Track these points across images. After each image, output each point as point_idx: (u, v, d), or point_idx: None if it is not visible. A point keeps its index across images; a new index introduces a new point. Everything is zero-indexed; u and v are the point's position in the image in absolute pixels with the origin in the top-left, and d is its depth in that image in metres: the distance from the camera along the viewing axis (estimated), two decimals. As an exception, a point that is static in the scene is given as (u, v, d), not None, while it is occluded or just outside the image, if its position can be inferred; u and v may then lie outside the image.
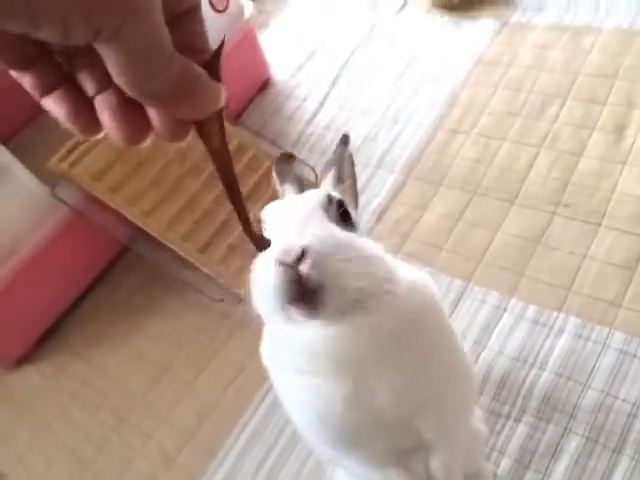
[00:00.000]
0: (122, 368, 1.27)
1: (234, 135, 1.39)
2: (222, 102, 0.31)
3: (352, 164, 0.67)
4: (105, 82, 0.29)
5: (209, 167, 1.30)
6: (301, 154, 1.48)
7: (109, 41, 0.25)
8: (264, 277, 0.46)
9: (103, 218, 1.29)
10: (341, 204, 0.55)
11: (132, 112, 0.30)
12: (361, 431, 0.56)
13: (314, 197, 0.54)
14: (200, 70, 0.30)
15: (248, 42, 1.58)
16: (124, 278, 1.42)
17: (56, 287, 1.35)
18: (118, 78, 0.27)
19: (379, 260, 0.52)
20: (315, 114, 1.58)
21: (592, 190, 1.19)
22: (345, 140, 0.68)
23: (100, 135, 0.32)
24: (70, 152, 1.25)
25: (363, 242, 0.52)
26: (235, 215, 0.38)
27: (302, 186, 0.64)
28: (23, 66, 0.30)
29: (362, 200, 1.36)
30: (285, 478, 1.02)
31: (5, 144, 1.24)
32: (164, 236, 1.23)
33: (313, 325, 0.49)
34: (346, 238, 0.50)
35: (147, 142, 0.32)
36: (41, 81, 0.30)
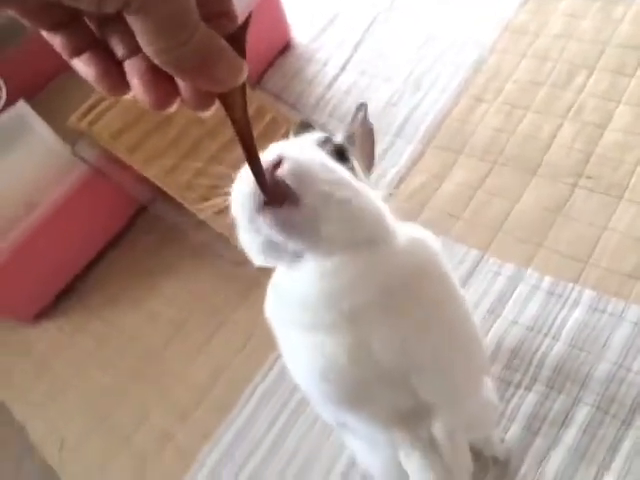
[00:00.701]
0: (138, 327, 1.29)
1: (254, 98, 1.38)
2: (243, 77, 0.32)
3: (371, 133, 0.64)
4: (134, 47, 0.29)
5: (229, 129, 1.30)
6: (321, 119, 1.46)
7: (137, 12, 0.26)
8: (238, 188, 0.47)
9: (122, 177, 1.30)
10: (339, 147, 0.53)
11: (160, 78, 0.31)
12: (363, 387, 0.55)
13: (312, 136, 0.53)
14: (224, 43, 0.30)
15: (270, 2, 1.55)
16: (141, 238, 1.43)
17: (74, 245, 1.37)
18: (144, 46, 0.28)
19: (373, 203, 0.50)
20: (336, 78, 1.56)
21: (616, 163, 1.17)
22: (360, 108, 0.65)
23: (128, 95, 0.33)
24: (90, 110, 1.25)
25: (358, 182, 0.50)
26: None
27: None
28: (54, 28, 0.30)
29: (380, 168, 1.35)
30: (295, 436, 1.04)
31: (27, 100, 1.24)
32: (183, 196, 1.24)
33: (306, 269, 0.49)
34: (336, 165, 0.48)
35: (174, 108, 0.33)
36: (71, 43, 0.31)
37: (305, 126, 0.68)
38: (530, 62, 1.39)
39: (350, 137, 0.61)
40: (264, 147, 0.43)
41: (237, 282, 1.25)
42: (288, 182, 0.44)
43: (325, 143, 0.52)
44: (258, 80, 1.61)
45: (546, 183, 1.19)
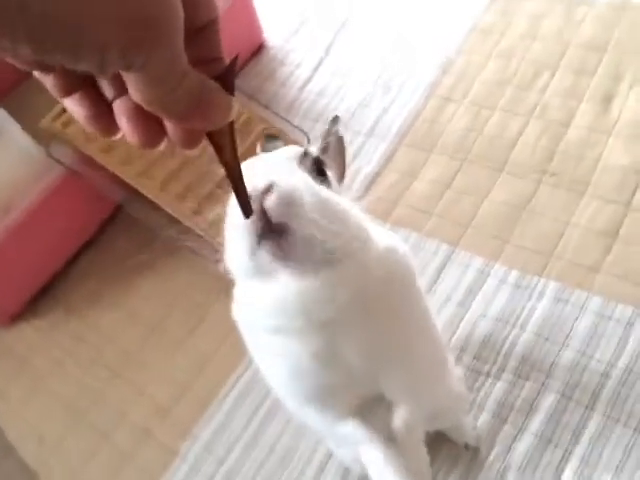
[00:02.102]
0: (116, 326, 1.30)
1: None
2: (233, 115, 0.33)
3: (341, 142, 0.66)
4: (123, 88, 0.30)
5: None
6: (294, 120, 1.49)
7: (136, 71, 0.27)
8: (234, 222, 0.48)
9: (97, 178, 1.31)
10: (317, 161, 0.55)
11: (148, 118, 0.31)
12: (330, 387, 0.57)
13: (290, 151, 0.55)
14: (213, 84, 0.31)
15: (243, 4, 1.57)
16: (119, 238, 1.44)
17: (51, 245, 1.37)
18: (135, 95, 0.29)
19: (353, 217, 0.53)
20: (309, 80, 1.59)
21: (578, 159, 1.22)
22: (335, 120, 0.67)
23: (118, 136, 0.33)
24: (63, 112, 1.25)
25: (337, 197, 0.52)
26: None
27: None
28: (46, 70, 0.31)
29: (353, 167, 1.38)
30: (275, 429, 1.07)
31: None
32: (158, 196, 1.25)
33: (283, 281, 0.50)
34: (318, 188, 0.50)
35: (162, 147, 0.34)
36: (62, 83, 0.31)
37: (271, 138, 0.69)
38: (496, 62, 1.44)
39: (325, 148, 0.63)
40: (241, 154, 0.45)
41: (214, 279, 1.25)
42: (276, 214, 0.45)
43: (304, 158, 0.54)
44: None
45: (512, 180, 1.24)
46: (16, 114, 1.26)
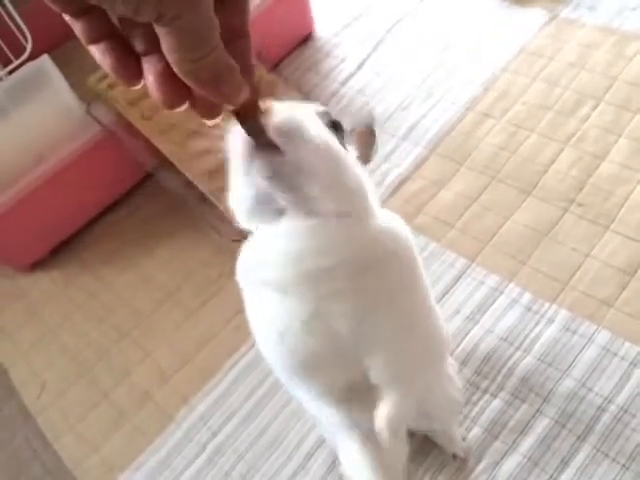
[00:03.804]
0: (129, 288, 1.33)
1: (271, 81, 1.41)
2: (241, 99, 0.35)
3: (372, 133, 0.64)
4: (154, 46, 0.32)
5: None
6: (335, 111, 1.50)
7: (166, 25, 0.29)
8: (232, 138, 0.48)
9: (133, 143, 1.33)
10: (337, 123, 0.54)
11: (175, 81, 0.33)
12: (316, 357, 0.56)
13: (312, 106, 0.54)
14: (234, 63, 0.33)
15: (297, -7, 1.58)
16: (144, 204, 1.47)
17: (78, 201, 1.40)
18: (167, 53, 0.31)
19: (355, 176, 0.52)
20: (352, 76, 1.60)
21: (607, 194, 1.22)
22: (370, 114, 0.66)
23: (139, 86, 0.35)
24: (111, 73, 1.28)
25: (346, 153, 0.52)
26: None
27: None
28: (77, 14, 0.32)
29: (383, 169, 1.39)
30: (270, 412, 1.09)
31: (49, 53, 1.27)
32: (188, 169, 1.27)
33: (284, 225, 0.51)
34: (328, 134, 0.50)
35: (182, 109, 0.36)
36: (91, 31, 0.33)
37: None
38: (540, 86, 1.44)
39: (351, 131, 0.61)
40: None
41: (233, 258, 1.28)
42: (274, 133, 0.45)
43: (323, 115, 0.53)
44: (274, 67, 1.64)
45: (539, 204, 1.24)
46: (63, 67, 1.29)
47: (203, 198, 1.32)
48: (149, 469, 1.08)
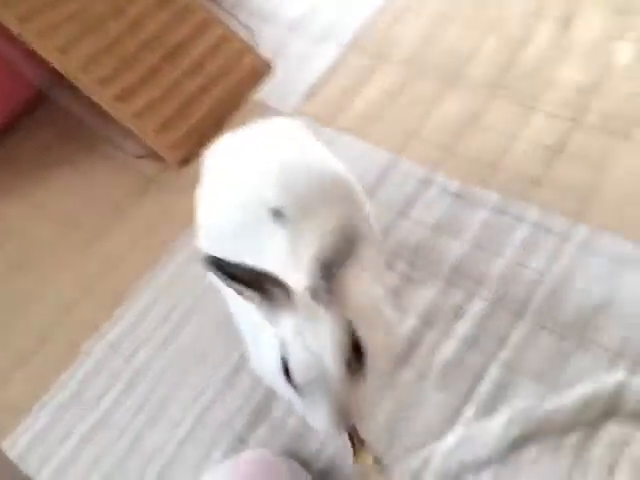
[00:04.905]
0: (24, 217, 1.19)
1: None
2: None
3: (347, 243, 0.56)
4: None
5: (134, 9, 1.19)
6: (240, 16, 1.38)
7: None
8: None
9: (13, 53, 1.17)
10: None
11: None
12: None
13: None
14: None
15: None
16: (39, 129, 1.31)
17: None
18: None
19: None
20: (261, -20, 1.47)
21: (532, 75, 1.16)
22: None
23: None
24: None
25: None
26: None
27: None
28: None
29: (301, 71, 1.29)
30: (192, 331, 0.99)
31: None
32: (78, 77, 1.12)
33: None
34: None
35: None
36: None
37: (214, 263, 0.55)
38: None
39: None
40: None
41: (136, 177, 1.16)
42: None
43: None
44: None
45: (464, 93, 1.17)
46: None
47: (101, 114, 1.18)
48: (56, 406, 0.97)
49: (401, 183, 1.08)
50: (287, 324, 0.54)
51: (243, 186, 0.68)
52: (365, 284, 0.69)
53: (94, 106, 1.16)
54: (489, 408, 0.82)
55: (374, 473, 0.54)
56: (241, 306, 0.62)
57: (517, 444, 0.78)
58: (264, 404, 0.90)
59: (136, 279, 1.06)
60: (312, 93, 1.24)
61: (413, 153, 1.12)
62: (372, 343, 0.57)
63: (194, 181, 0.83)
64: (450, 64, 1.22)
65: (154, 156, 1.17)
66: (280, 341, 0.54)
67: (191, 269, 1.05)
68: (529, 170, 1.05)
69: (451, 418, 0.83)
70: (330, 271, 0.54)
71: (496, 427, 0.80)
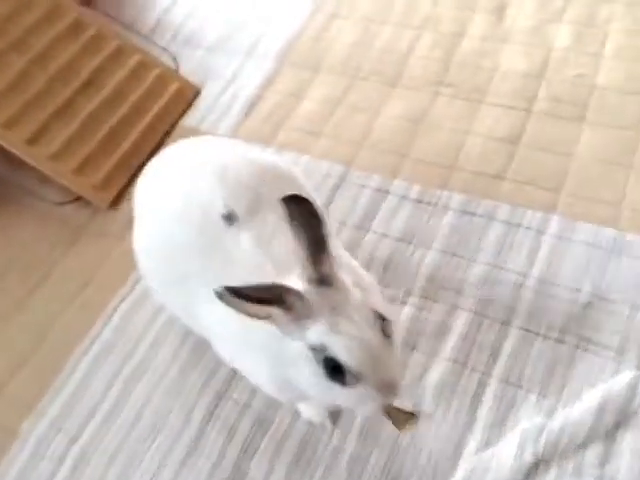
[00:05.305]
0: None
1: (90, 21, 1.14)
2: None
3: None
4: None
5: (38, 42, 1.07)
6: (161, 42, 1.27)
7: None
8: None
9: None
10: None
11: None
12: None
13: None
14: None
15: None
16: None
17: None
18: None
19: None
20: (174, 2, 1.37)
21: (475, 69, 1.11)
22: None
23: None
24: None
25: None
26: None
27: None
28: None
29: (231, 91, 1.19)
30: (143, 390, 0.86)
31: None
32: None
33: None
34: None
35: None
36: None
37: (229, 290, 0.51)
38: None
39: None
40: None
41: (61, 227, 1.02)
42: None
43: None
44: (87, 2, 1.37)
45: (407, 94, 1.11)
46: None
47: (12, 160, 1.04)
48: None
49: (355, 195, 1.00)
50: (316, 327, 0.52)
51: (186, 201, 0.64)
52: (345, 256, 0.68)
53: (2, 151, 1.03)
54: (495, 434, 0.73)
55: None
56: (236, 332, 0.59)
57: (533, 471, 0.69)
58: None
59: (72, 344, 0.92)
60: (246, 113, 1.15)
61: (363, 162, 1.04)
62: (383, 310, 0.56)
63: (130, 222, 0.73)
64: (388, 67, 1.16)
65: (80, 201, 1.04)
66: (317, 347, 0.52)
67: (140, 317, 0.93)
68: (489, 165, 0.98)
69: (454, 453, 0.73)
70: (321, 255, 0.53)
71: (506, 457, 0.71)
